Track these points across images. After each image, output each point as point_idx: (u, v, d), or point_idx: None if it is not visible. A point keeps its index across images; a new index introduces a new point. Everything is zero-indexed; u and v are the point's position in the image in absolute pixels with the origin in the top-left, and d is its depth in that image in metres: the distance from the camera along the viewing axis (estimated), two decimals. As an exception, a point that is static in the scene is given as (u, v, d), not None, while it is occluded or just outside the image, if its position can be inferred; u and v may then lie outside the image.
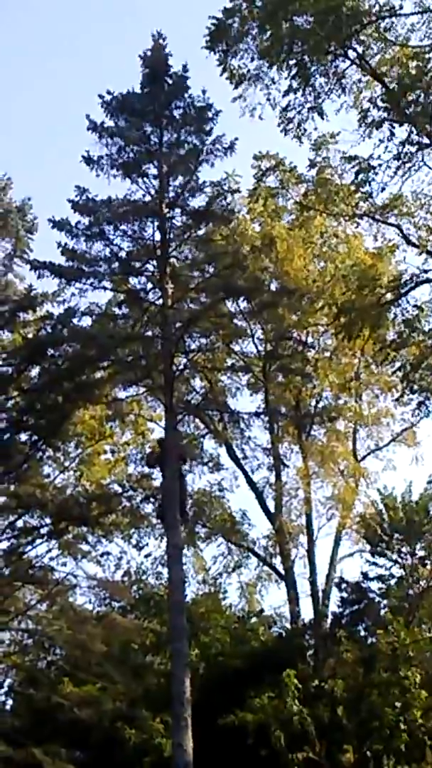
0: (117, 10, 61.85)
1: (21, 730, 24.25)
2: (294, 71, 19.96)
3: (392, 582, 30.57)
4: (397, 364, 21.67)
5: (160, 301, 23.92)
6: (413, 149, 20.28)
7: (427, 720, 24.87)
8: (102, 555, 28.58)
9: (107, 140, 24.07)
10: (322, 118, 20.80)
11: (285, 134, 21.14)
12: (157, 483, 25.75)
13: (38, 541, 25.09)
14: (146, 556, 31.94)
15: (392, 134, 20.16)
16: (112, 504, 25.24)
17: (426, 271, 20.97)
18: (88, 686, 25.67)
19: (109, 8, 62.31)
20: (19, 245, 30.82)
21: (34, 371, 24.87)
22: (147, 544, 31.61)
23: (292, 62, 19.89)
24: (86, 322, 24.46)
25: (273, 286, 28.35)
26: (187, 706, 20.18)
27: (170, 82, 24.58)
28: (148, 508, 28.60)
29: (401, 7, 19.73)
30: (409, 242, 21.98)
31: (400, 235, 22.19)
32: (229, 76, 21.13)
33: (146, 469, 28.71)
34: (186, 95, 24.32)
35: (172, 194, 24.40)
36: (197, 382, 30.80)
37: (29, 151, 56.64)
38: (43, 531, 24.80)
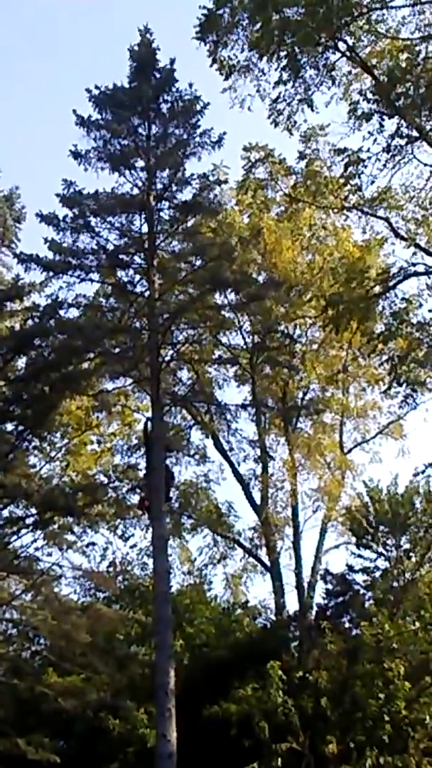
0: (107, 3, 61.62)
1: (5, 720, 24.21)
2: (284, 63, 19.88)
3: (377, 574, 30.64)
4: (385, 357, 21.69)
5: (148, 293, 23.93)
6: (402, 142, 20.28)
7: (411, 711, 24.93)
8: (87, 545, 28.66)
9: (95, 134, 24.12)
10: (312, 110, 20.75)
11: (275, 126, 21.08)
12: (143, 474, 25.76)
13: (24, 531, 25.09)
14: (132, 547, 32.05)
15: (382, 127, 20.14)
16: (98, 494, 25.21)
17: (414, 264, 20.98)
18: (73, 676, 25.70)
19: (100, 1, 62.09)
20: (6, 234, 30.69)
21: (21, 361, 24.84)
22: (132, 535, 31.69)
23: (282, 54, 19.80)
24: (73, 313, 24.49)
25: (261, 278, 28.38)
26: (171, 697, 20.23)
27: (158, 75, 24.58)
28: (134, 498, 28.67)
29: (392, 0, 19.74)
30: (397, 235, 21.98)
31: (389, 228, 22.19)
32: (219, 67, 21.02)
33: (132, 460, 28.83)
34: (173, 89, 24.34)
35: (159, 187, 24.43)
36: (184, 374, 30.81)
37: (18, 141, 56.42)
38: (29, 521, 24.79)
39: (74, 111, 23.92)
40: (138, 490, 26.02)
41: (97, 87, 24.32)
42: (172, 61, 24.39)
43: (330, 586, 30.77)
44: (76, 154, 23.97)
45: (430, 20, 19.86)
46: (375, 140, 20.25)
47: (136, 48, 24.70)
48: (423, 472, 29.85)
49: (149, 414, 24.61)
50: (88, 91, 24.20)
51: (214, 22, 20.48)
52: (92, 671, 25.06)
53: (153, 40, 24.78)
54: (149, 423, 23.72)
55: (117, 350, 24.14)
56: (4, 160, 60.44)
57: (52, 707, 24.67)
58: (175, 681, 20.62)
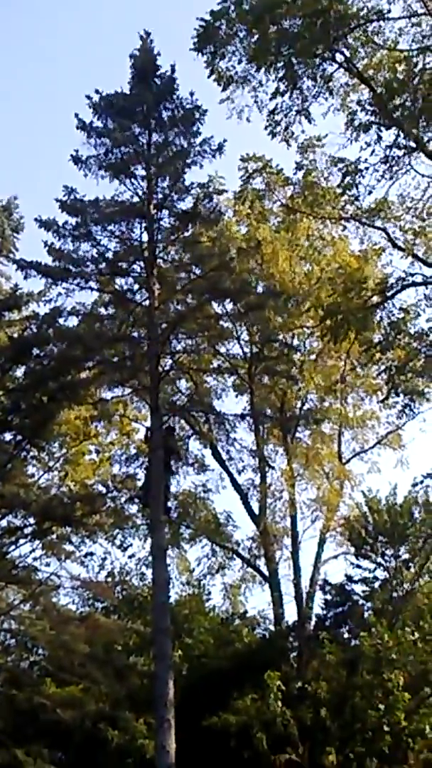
0: (108, 9, 61.85)
1: (3, 731, 24.15)
2: (281, 74, 19.92)
3: (376, 585, 30.64)
4: (383, 367, 21.73)
5: (147, 302, 23.92)
6: (400, 153, 20.35)
7: (410, 722, 24.91)
8: (86, 555, 28.59)
9: (95, 140, 24.08)
10: (309, 122, 20.80)
11: (272, 137, 21.09)
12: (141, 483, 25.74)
13: (22, 541, 25.08)
14: (130, 557, 31.98)
15: (379, 138, 20.21)
16: (97, 504, 25.20)
17: (412, 275, 21.03)
18: (71, 687, 25.64)
19: (100, 7, 62.29)
20: (4, 244, 30.69)
21: (20, 371, 24.85)
22: (131, 545, 31.65)
23: (279, 65, 19.85)
24: (72, 322, 24.48)
25: (259, 288, 28.36)
26: (170, 708, 20.19)
27: (158, 83, 24.56)
28: (133, 508, 28.64)
29: (389, 11, 19.77)
30: (395, 245, 22.01)
31: (386, 238, 22.23)
32: (216, 78, 21.05)
33: (131, 470, 28.80)
34: (174, 96, 24.30)
35: (159, 196, 24.40)
36: (183, 383, 30.82)
37: (17, 149, 56.53)
38: (27, 531, 24.78)
39: (76, 115, 23.81)
40: (136, 500, 26.04)
41: (97, 92, 24.21)
42: (173, 68, 24.32)
43: (329, 597, 30.76)
44: (76, 160, 23.94)
45: (427, 32, 19.94)
46: (373, 151, 20.35)
47: (137, 54, 24.65)
48: (422, 482, 30.03)
49: (148, 423, 24.63)
50: (89, 97, 24.15)
51: (211, 34, 20.51)
52: (91, 682, 25.00)
53: (153, 47, 24.80)
54: (149, 432, 23.74)
55: (116, 359, 24.16)
56: (1, 170, 60.53)
57: (50, 718, 24.60)
58: (174, 692, 20.58)
